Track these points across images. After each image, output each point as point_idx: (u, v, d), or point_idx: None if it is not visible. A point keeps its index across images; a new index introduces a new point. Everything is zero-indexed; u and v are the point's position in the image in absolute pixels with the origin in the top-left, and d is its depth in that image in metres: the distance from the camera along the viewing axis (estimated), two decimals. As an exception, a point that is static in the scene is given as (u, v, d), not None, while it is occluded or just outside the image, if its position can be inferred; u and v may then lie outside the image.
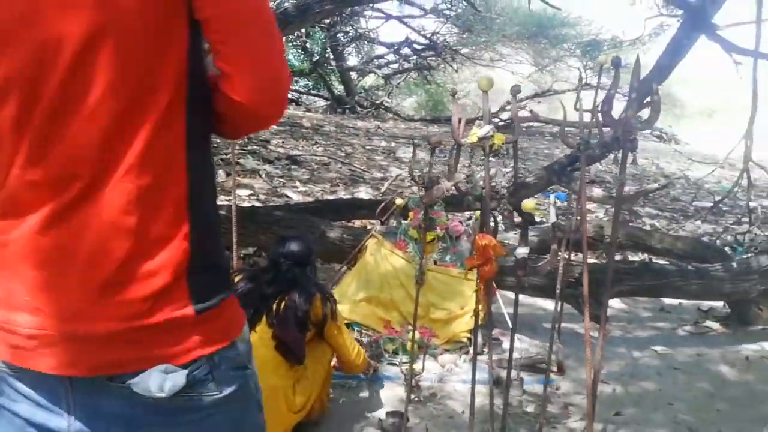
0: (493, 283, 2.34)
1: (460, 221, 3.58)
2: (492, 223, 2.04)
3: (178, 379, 0.78)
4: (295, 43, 14.45)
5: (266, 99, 0.82)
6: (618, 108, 2.02)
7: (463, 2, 11.35)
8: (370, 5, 10.84)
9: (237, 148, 7.07)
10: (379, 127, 11.80)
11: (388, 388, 2.80)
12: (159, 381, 0.77)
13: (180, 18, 0.78)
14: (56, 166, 0.76)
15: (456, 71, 15.25)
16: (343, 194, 5.92)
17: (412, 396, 2.58)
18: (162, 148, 0.78)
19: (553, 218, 2.17)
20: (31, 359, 0.79)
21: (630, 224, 5.39)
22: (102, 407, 0.81)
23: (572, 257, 3.23)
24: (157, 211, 0.78)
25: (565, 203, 4.38)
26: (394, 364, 2.99)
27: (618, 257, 4.58)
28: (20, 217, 0.78)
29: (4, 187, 0.79)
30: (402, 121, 15.06)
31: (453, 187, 1.92)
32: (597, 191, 7.04)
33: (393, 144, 10.00)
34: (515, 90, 2.06)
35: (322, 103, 16.40)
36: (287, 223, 3.80)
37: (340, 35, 15.74)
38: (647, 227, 5.73)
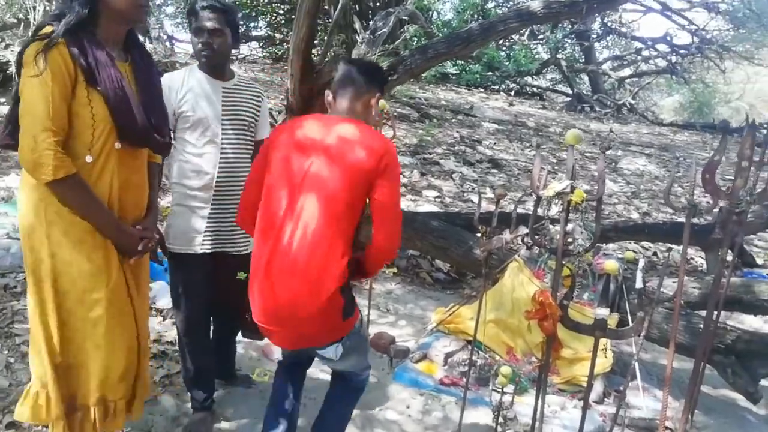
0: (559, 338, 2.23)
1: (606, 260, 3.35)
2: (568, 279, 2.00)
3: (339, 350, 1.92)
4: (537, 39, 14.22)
5: (388, 248, 1.89)
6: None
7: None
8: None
9: (443, 147, 7.34)
10: (611, 131, 11.01)
11: (484, 414, 2.86)
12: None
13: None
14: None
15: (723, 71, 13.40)
16: (530, 205, 5.79)
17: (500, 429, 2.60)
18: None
19: (639, 284, 2.00)
20: None
21: None
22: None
23: (726, 321, 2.82)
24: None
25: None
26: (498, 391, 3.01)
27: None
28: None
29: None
30: (648, 124, 13.76)
31: (515, 240, 1.92)
32: None
33: (620, 153, 9.29)
34: (604, 147, 1.96)
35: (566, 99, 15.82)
36: (440, 234, 3.98)
37: (594, 27, 14.97)
38: None
